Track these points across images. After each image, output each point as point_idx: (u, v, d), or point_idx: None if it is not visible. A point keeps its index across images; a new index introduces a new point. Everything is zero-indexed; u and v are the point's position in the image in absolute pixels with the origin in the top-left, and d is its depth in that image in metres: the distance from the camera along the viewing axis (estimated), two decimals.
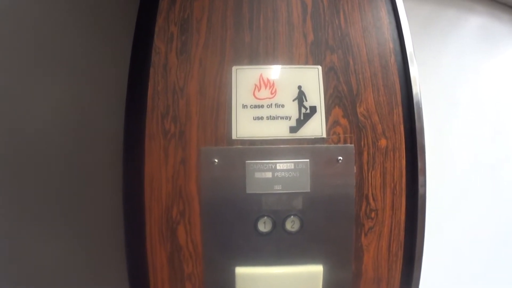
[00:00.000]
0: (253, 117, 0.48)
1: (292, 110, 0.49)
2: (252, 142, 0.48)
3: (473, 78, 0.94)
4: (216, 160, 0.48)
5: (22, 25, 0.68)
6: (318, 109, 0.49)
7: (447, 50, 0.92)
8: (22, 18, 0.68)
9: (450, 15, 0.92)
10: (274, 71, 0.50)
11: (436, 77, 0.90)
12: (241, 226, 0.48)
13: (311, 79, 0.49)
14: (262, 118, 0.48)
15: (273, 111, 0.48)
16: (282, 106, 0.49)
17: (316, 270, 0.49)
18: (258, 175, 0.47)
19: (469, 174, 0.95)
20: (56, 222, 0.73)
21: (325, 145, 0.49)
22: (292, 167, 0.48)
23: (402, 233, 0.51)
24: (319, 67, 0.50)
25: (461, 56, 0.93)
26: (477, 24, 0.95)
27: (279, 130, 0.48)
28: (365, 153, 0.50)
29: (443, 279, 0.94)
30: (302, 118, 0.49)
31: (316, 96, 0.49)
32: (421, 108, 0.52)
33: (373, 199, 0.50)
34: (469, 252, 0.97)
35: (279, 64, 0.50)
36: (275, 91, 0.49)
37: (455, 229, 0.96)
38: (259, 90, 0.49)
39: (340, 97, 0.50)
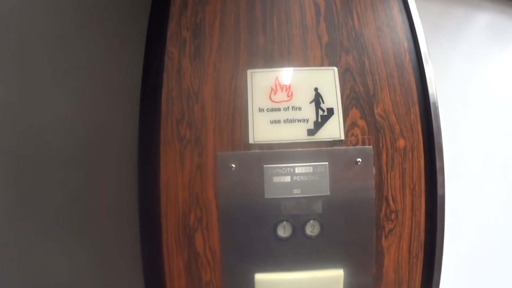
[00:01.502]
0: (270, 121, 0.48)
1: (309, 112, 0.48)
2: (269, 146, 0.48)
3: (484, 75, 0.94)
4: (233, 165, 0.47)
5: (35, 31, 0.68)
6: (335, 111, 0.48)
7: (457, 48, 0.92)
8: (35, 24, 0.68)
9: (459, 13, 0.91)
10: (290, 74, 0.49)
11: (446, 75, 0.89)
12: (260, 232, 0.47)
13: (327, 81, 0.49)
14: (279, 121, 0.48)
15: (290, 114, 0.48)
16: (299, 108, 0.48)
17: (336, 274, 0.48)
18: (276, 179, 0.47)
19: (482, 174, 0.95)
20: (67, 228, 0.72)
21: (344, 147, 0.48)
22: (311, 170, 0.47)
23: (422, 234, 0.50)
24: (335, 69, 0.49)
25: (471, 54, 0.92)
26: (486, 21, 0.94)
27: (296, 133, 0.48)
28: (384, 154, 0.49)
29: (457, 281, 0.92)
30: (319, 120, 0.48)
31: (333, 98, 0.48)
32: (438, 107, 0.51)
33: (393, 201, 0.49)
34: (482, 253, 0.96)
35: (295, 67, 0.50)
36: (292, 93, 0.48)
37: (467, 230, 0.95)
38: (275, 93, 0.48)
39: (357, 98, 0.49)
